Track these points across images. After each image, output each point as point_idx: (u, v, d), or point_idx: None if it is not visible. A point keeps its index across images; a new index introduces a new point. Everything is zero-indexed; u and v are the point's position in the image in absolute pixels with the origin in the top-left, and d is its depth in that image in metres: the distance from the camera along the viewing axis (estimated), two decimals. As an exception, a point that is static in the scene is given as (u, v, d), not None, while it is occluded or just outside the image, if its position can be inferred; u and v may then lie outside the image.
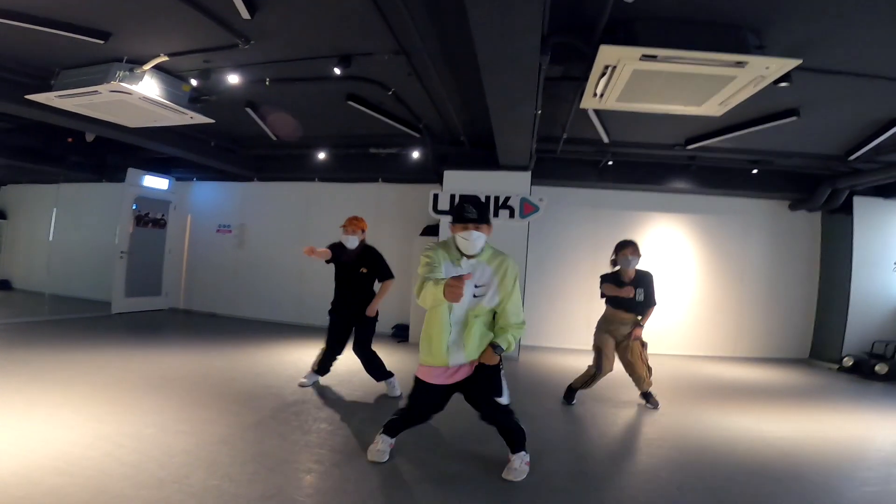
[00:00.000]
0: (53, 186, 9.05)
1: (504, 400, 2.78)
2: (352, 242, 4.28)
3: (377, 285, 4.41)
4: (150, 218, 8.44)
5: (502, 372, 2.81)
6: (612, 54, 3.38)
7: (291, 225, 8.44)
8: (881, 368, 5.96)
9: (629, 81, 3.73)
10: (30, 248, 9.89)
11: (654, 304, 4.42)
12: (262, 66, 4.66)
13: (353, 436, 3.32)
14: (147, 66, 4.51)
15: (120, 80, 4.44)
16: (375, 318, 4.39)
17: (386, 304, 7.45)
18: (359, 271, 4.30)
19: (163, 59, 4.46)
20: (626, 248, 4.37)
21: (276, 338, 6.79)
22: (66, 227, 8.99)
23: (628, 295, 4.27)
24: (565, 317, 7.34)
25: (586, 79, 3.99)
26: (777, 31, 3.49)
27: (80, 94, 4.71)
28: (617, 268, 4.46)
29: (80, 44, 4.24)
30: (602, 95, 4.07)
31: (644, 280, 4.39)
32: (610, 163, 6.99)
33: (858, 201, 6.98)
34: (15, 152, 7.62)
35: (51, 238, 8.98)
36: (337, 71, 4.36)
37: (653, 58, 3.37)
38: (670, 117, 5.17)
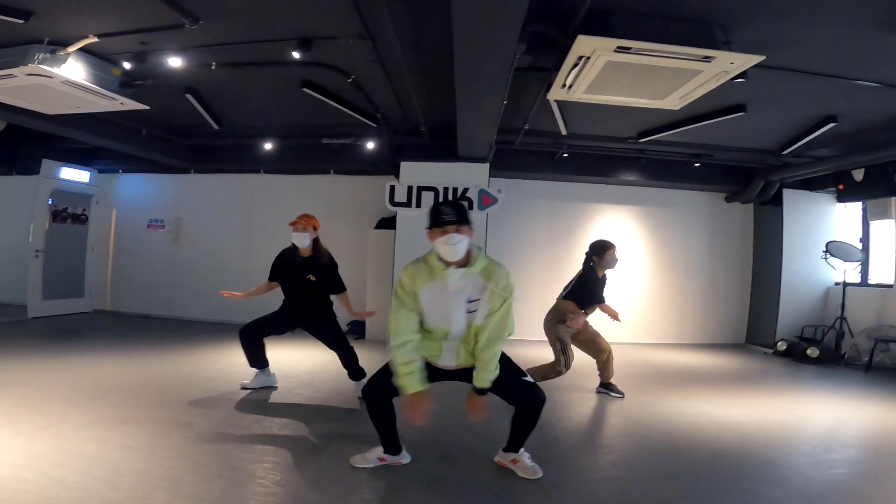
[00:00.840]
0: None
1: (529, 378, 2.61)
2: (303, 241, 3.87)
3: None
4: (68, 213, 7.59)
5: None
6: (588, 45, 3.38)
7: (234, 219, 7.92)
8: (812, 352, 6.41)
9: (600, 73, 3.75)
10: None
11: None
12: (209, 48, 4.25)
13: (324, 441, 3.11)
14: (72, 48, 4.02)
15: (39, 63, 3.95)
16: (333, 318, 4.10)
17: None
18: (306, 278, 3.90)
19: (91, 40, 3.97)
20: (612, 249, 4.47)
21: (220, 339, 6.29)
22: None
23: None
24: (521, 308, 7.37)
25: (556, 69, 3.99)
26: (742, 27, 3.60)
27: None
28: (590, 264, 4.53)
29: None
30: (571, 87, 4.09)
31: (605, 277, 4.58)
32: (565, 155, 7.09)
33: (788, 193, 7.49)
34: None
35: None
36: (296, 55, 4.07)
37: (627, 49, 3.41)
38: (625, 111, 5.27)
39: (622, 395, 4.53)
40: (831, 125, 5.47)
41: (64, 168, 7.48)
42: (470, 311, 2.45)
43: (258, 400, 3.94)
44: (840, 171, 6.83)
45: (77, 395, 3.71)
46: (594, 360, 4.60)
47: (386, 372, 2.54)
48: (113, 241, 8.29)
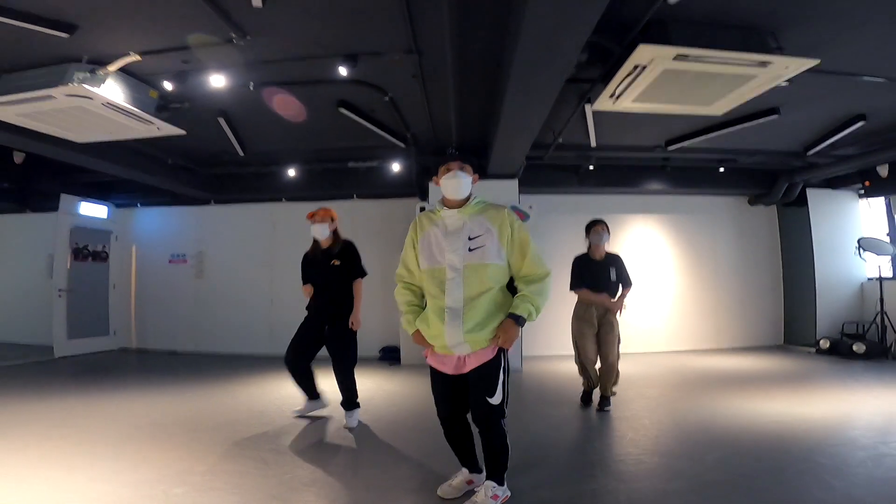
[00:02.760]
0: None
1: (495, 400, 2.32)
2: (322, 232, 3.88)
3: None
4: (89, 251, 7.46)
5: (503, 368, 2.38)
6: (648, 53, 3.42)
7: (257, 249, 7.80)
8: (859, 348, 6.34)
9: (654, 81, 3.78)
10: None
11: (630, 284, 4.39)
12: (250, 67, 4.18)
13: (422, 470, 2.94)
14: (114, 67, 3.85)
15: (80, 82, 3.78)
16: (354, 334, 3.91)
17: (370, 324, 7.12)
18: (331, 264, 3.88)
19: (134, 58, 3.82)
20: (598, 224, 4.43)
21: (256, 371, 6.12)
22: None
23: (603, 303, 4.27)
24: (553, 325, 7.24)
25: (602, 80, 4.03)
26: (790, 32, 3.63)
27: (28, 99, 3.97)
28: (588, 248, 4.50)
29: (31, 40, 3.58)
30: (619, 96, 4.10)
31: (616, 260, 4.41)
32: (591, 167, 7.08)
33: (812, 193, 7.51)
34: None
35: None
36: (343, 72, 4.03)
37: (685, 57, 3.45)
38: (657, 119, 5.31)
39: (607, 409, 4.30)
40: (860, 124, 5.50)
41: (82, 203, 7.39)
42: (472, 249, 2.34)
43: (318, 428, 3.79)
44: (865, 169, 6.85)
45: (136, 434, 3.55)
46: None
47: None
48: (135, 278, 8.14)
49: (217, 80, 4.21)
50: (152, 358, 7.33)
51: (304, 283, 4.03)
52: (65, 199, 7.11)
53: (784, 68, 3.59)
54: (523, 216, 6.43)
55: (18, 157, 6.45)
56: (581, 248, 7.40)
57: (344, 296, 3.90)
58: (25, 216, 8.00)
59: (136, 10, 3.36)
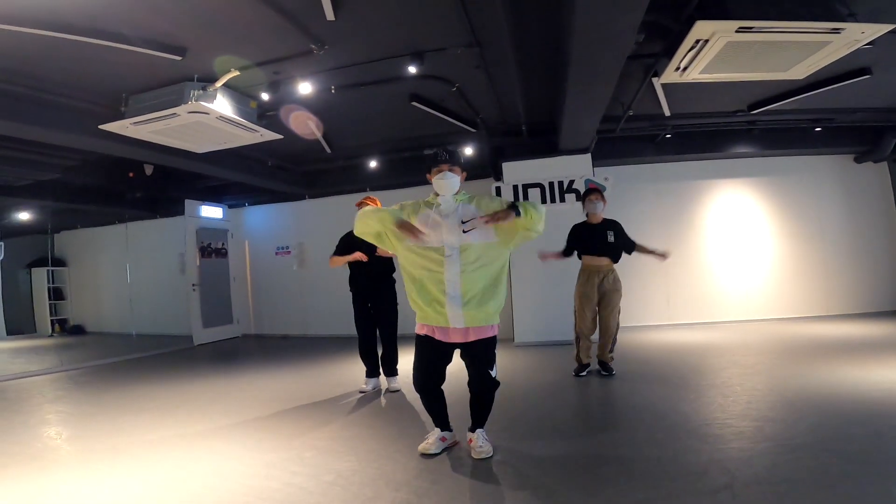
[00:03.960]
0: (119, 227, 9.29)
1: (494, 372, 2.80)
2: None
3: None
4: (212, 248, 8.58)
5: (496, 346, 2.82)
6: (707, 28, 3.43)
7: (349, 238, 8.48)
8: None
9: (719, 53, 3.74)
10: (100, 291, 10.14)
11: (634, 244, 4.53)
12: (330, 73, 4.65)
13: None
14: (219, 83, 4.41)
15: (196, 100, 4.38)
16: (395, 303, 4.45)
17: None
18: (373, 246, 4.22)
19: (234, 73, 4.35)
20: (591, 194, 4.56)
21: (354, 351, 6.73)
22: (138, 266, 9.23)
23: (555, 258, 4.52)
24: (643, 293, 7.16)
25: (667, 54, 4.02)
26: None
27: (156, 118, 4.61)
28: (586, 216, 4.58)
29: (151, 63, 4.12)
30: (685, 69, 4.07)
31: (614, 224, 4.49)
32: (668, 136, 6.89)
33: (927, 147, 6.74)
34: (76, 193, 7.77)
35: (129, 280, 9.18)
36: (412, 69, 4.37)
37: (749, 29, 3.41)
38: (734, 85, 5.09)
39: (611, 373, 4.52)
40: None
41: (202, 206, 8.49)
42: (465, 231, 2.67)
43: (407, 400, 4.22)
44: None
45: (270, 407, 4.14)
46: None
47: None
48: (249, 270, 9.23)
49: (304, 88, 4.75)
50: (269, 342, 8.28)
51: (336, 254, 4.52)
52: (189, 203, 8.24)
53: (860, 33, 3.45)
54: (599, 188, 6.42)
55: (149, 170, 7.51)
56: (662, 216, 7.35)
57: (384, 273, 4.43)
58: (155, 221, 9.30)
59: (232, 31, 3.87)
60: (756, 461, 2.50)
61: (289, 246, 8.88)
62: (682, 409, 3.44)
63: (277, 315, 8.93)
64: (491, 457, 2.77)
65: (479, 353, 2.76)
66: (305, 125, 5.96)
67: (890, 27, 3.35)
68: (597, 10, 3.00)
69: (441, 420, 2.97)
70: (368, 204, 4.37)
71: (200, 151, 5.83)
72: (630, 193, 7.33)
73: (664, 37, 3.84)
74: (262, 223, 9.22)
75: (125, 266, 9.18)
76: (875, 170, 7.39)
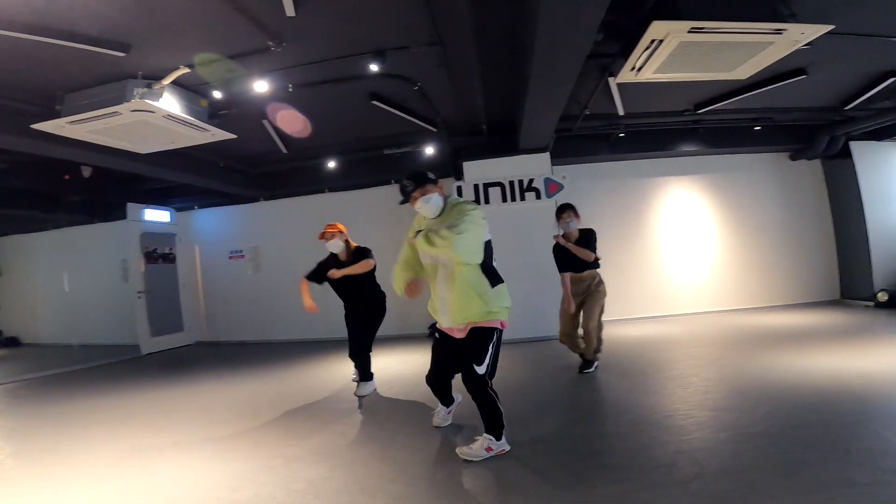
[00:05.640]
0: (54, 233, 8.68)
1: (481, 369, 2.76)
2: (336, 247, 4.31)
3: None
4: (158, 254, 8.15)
5: (493, 344, 2.84)
6: (662, 28, 3.54)
7: (307, 240, 8.21)
8: (919, 299, 6.14)
9: (672, 53, 3.87)
10: (36, 301, 9.43)
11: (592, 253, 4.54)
12: (287, 70, 4.50)
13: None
14: (167, 80, 4.20)
15: (140, 97, 4.15)
16: (381, 316, 4.43)
17: (419, 306, 7.45)
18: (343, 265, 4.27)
19: (183, 71, 4.17)
20: (564, 213, 4.47)
21: (319, 355, 6.63)
22: (77, 274, 8.65)
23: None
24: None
25: (622, 54, 4.13)
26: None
27: (96, 117, 4.33)
28: (561, 233, 4.53)
29: (93, 60, 3.87)
30: (640, 69, 4.20)
31: (588, 237, 4.50)
32: (622, 135, 7.12)
33: (855, 146, 7.29)
34: (7, 197, 7.19)
35: (66, 288, 8.58)
36: (374, 67, 4.30)
37: (700, 30, 3.55)
38: (682, 85, 5.32)
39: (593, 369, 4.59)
40: (892, 80, 5.48)
41: (146, 210, 8.05)
42: None
43: (376, 403, 4.18)
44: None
45: (233, 417, 3.98)
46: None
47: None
48: (200, 276, 8.83)
49: (260, 86, 4.56)
50: (224, 349, 7.97)
51: (308, 277, 4.40)
52: (131, 207, 7.78)
53: (800, 34, 3.65)
54: (557, 186, 6.57)
55: (87, 171, 7.03)
56: (616, 213, 7.57)
57: (367, 293, 4.37)
58: (95, 226, 8.75)
59: (183, 27, 3.67)
60: (720, 450, 2.62)
61: (242, 250, 8.56)
62: (645, 402, 3.56)
63: (233, 321, 8.59)
64: (471, 461, 2.73)
65: (468, 346, 2.84)
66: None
67: (827, 28, 3.57)
68: (560, 9, 3.04)
69: (443, 400, 3.33)
70: (329, 232, 4.32)
71: (144, 152, 5.51)
72: (586, 191, 7.51)
73: (621, 37, 3.93)
74: (213, 227, 8.84)
75: (62, 274, 8.57)
76: (809, 167, 7.91)
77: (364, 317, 4.39)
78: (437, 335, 3.10)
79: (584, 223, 4.61)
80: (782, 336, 5.48)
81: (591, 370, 4.54)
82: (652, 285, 7.68)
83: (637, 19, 3.65)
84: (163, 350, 7.83)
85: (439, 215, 2.87)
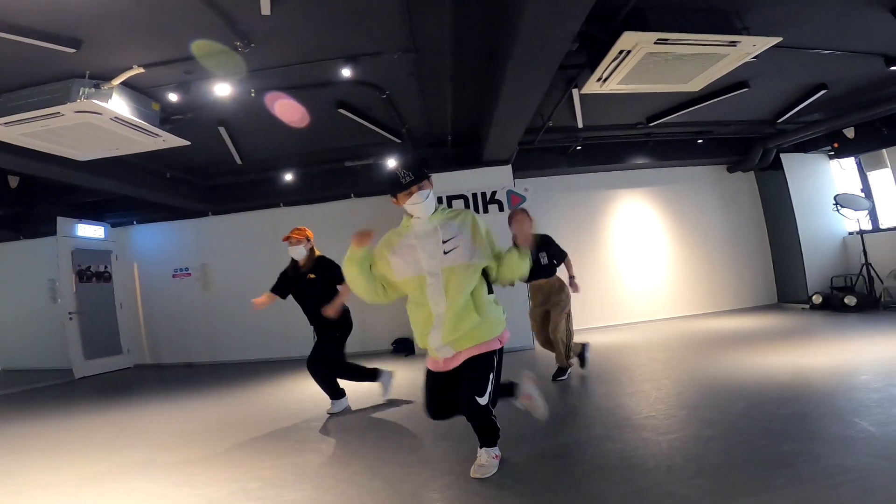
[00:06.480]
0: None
1: (482, 401, 2.44)
2: (298, 253, 4.04)
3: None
4: (92, 272, 7.49)
5: (494, 371, 2.52)
6: (632, 39, 3.71)
7: (261, 257, 7.85)
8: (850, 300, 6.58)
9: (637, 64, 4.06)
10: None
11: (565, 254, 4.66)
12: (252, 73, 4.25)
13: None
14: (116, 81, 3.90)
15: (86, 98, 3.81)
16: (343, 331, 4.14)
17: (380, 319, 7.29)
18: (307, 277, 4.02)
19: (137, 71, 3.88)
20: (515, 217, 4.44)
21: (278, 375, 6.26)
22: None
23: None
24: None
25: (590, 65, 4.27)
26: (755, 13, 3.98)
27: (34, 118, 3.94)
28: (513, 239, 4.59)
29: (36, 56, 3.53)
30: (606, 80, 4.36)
31: (545, 242, 4.58)
32: (578, 148, 7.36)
33: (786, 157, 7.90)
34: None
35: None
36: (346, 73, 4.20)
37: (665, 41, 3.76)
38: (637, 98, 5.59)
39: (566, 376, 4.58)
40: (822, 92, 5.98)
41: (79, 225, 7.41)
42: (447, 251, 2.44)
43: (351, 420, 3.98)
44: (832, 132, 7.27)
45: (185, 441, 3.66)
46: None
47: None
48: (140, 296, 8.19)
49: (222, 89, 4.33)
50: (170, 371, 7.41)
51: (272, 290, 4.14)
52: (62, 221, 7.13)
53: (752, 46, 3.95)
54: (520, 199, 6.66)
55: (13, 182, 6.42)
56: (574, 225, 7.78)
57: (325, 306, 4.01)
58: (20, 242, 7.95)
59: (142, 22, 3.40)
60: (712, 446, 2.66)
61: (188, 268, 8.04)
62: (626, 404, 3.60)
63: (178, 342, 8.00)
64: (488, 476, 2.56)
65: (466, 374, 2.49)
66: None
67: (776, 40, 3.86)
68: (541, 17, 3.09)
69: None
70: (295, 237, 4.03)
71: (84, 158, 5.06)
72: (545, 204, 7.68)
73: (592, 47, 4.06)
74: (154, 243, 8.25)
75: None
76: (744, 178, 8.51)
77: (333, 331, 4.11)
78: (427, 369, 2.67)
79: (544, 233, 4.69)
80: (732, 339, 5.76)
81: (564, 377, 4.55)
82: (608, 295, 7.91)
83: (609, 30, 3.78)
84: (99, 373, 7.18)
85: (425, 224, 2.50)
